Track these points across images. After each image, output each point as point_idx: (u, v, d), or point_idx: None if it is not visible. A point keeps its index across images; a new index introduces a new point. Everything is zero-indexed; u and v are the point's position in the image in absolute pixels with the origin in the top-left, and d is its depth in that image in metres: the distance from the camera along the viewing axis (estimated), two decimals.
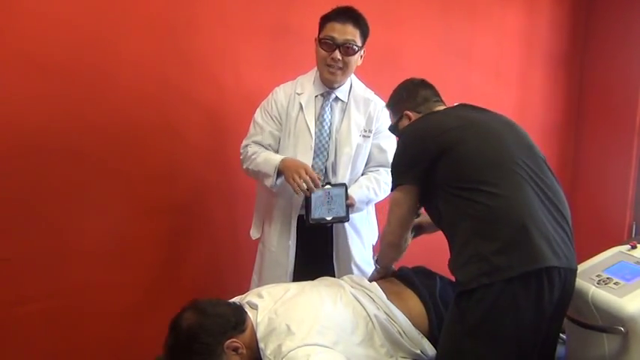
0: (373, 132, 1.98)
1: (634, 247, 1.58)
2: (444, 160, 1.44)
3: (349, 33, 1.83)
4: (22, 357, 2.02)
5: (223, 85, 2.31)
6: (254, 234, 2.09)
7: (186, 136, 2.26)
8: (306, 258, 1.97)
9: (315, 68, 1.96)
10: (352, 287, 1.65)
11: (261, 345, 1.42)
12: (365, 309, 1.54)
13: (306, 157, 1.90)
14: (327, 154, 1.94)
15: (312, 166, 1.91)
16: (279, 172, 1.85)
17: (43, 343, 2.04)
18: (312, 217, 1.81)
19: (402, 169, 1.56)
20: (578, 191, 3.30)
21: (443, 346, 1.43)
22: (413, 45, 2.78)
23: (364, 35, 1.88)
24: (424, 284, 1.68)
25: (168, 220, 2.27)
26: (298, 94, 1.95)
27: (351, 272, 1.95)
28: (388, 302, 1.59)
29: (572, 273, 1.41)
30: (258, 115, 1.99)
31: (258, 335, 1.44)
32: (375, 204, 2.06)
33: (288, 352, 1.33)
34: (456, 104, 1.63)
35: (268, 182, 1.88)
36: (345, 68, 1.87)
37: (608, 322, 1.40)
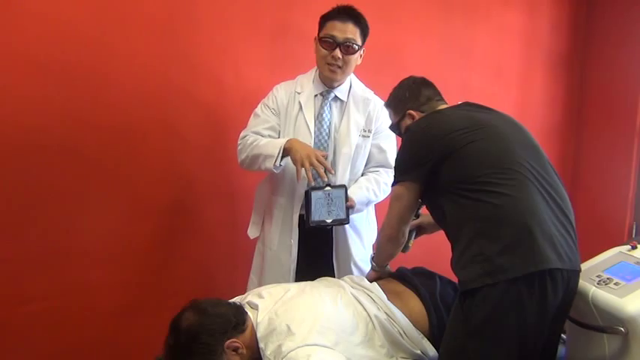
0: (373, 132, 1.98)
1: (634, 248, 1.58)
2: (449, 161, 1.44)
3: (350, 32, 1.83)
4: (22, 357, 2.02)
5: (223, 84, 2.31)
6: (252, 233, 2.08)
7: (186, 136, 2.26)
8: (306, 257, 1.97)
9: (315, 68, 1.97)
10: (352, 287, 1.65)
11: (262, 345, 1.42)
12: (365, 309, 1.54)
13: None
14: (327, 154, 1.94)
15: None
16: (285, 153, 1.81)
17: (42, 343, 2.04)
18: (313, 219, 1.80)
19: (405, 167, 1.56)
20: (579, 191, 3.30)
21: (445, 346, 1.43)
22: (413, 45, 2.78)
23: (364, 34, 1.88)
24: (424, 284, 1.68)
25: (167, 219, 2.27)
26: (298, 93, 1.95)
27: (350, 272, 1.95)
28: (388, 302, 1.59)
29: (576, 274, 1.41)
30: (258, 109, 1.98)
31: (259, 335, 1.44)
32: (375, 204, 2.06)
33: (289, 353, 1.33)
34: (460, 103, 1.63)
35: (270, 163, 1.82)
36: (345, 67, 1.87)
37: (609, 323, 1.40)
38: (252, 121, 1.98)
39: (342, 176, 1.93)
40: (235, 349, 1.42)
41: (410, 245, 1.82)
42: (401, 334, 1.53)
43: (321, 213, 1.80)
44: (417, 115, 1.64)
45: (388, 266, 1.82)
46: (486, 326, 1.34)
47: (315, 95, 1.95)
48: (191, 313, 1.44)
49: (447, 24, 2.89)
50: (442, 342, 1.45)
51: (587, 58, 3.33)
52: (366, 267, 1.97)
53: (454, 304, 1.44)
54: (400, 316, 1.56)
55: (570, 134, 3.41)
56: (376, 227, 2.10)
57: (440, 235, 1.60)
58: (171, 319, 1.45)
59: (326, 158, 1.84)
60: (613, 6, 3.19)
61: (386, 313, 1.56)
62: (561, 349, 1.56)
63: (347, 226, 1.94)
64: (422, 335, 1.57)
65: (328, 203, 1.81)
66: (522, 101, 3.19)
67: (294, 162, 1.78)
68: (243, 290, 1.70)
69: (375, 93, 2.02)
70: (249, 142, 1.91)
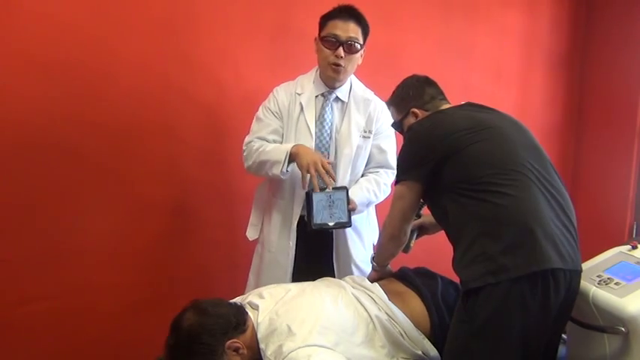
0: (373, 132, 1.98)
1: (635, 248, 1.58)
2: (452, 161, 1.44)
3: (352, 30, 1.83)
4: (23, 357, 2.02)
5: (223, 85, 2.30)
6: (251, 234, 2.08)
7: (185, 137, 2.26)
8: (306, 259, 1.96)
9: (315, 68, 1.96)
10: (353, 288, 1.65)
11: (262, 345, 1.42)
12: (366, 309, 1.54)
13: None
14: (328, 154, 1.93)
15: None
16: (291, 159, 1.81)
17: (43, 343, 2.04)
18: (315, 222, 1.79)
19: (407, 167, 1.56)
20: (579, 191, 3.30)
21: (449, 346, 1.43)
22: (413, 45, 2.78)
23: (365, 34, 1.88)
24: (425, 285, 1.68)
25: (167, 219, 2.27)
26: (298, 94, 1.94)
27: (351, 273, 1.95)
28: (389, 303, 1.59)
29: (577, 275, 1.42)
30: (260, 113, 1.98)
31: (259, 336, 1.44)
32: (376, 204, 2.06)
33: (289, 353, 1.33)
34: (462, 103, 1.63)
35: (277, 170, 1.83)
36: (347, 66, 1.87)
37: (609, 323, 1.40)
38: (255, 125, 1.98)
39: (342, 177, 1.93)
40: (236, 350, 1.42)
41: (411, 245, 1.82)
42: (402, 335, 1.53)
43: (323, 215, 1.80)
44: (420, 113, 1.64)
45: (389, 266, 1.82)
46: (490, 327, 1.34)
47: (316, 96, 1.95)
48: (192, 313, 1.44)
49: (447, 24, 2.89)
50: (446, 342, 1.45)
51: (587, 58, 3.34)
52: (367, 267, 1.96)
53: (457, 305, 1.44)
54: (401, 316, 1.56)
55: (570, 134, 3.41)
56: (377, 227, 2.10)
57: (441, 236, 1.60)
58: (172, 319, 1.45)
59: (331, 165, 1.84)
60: (613, 6, 3.19)
61: (387, 313, 1.56)
62: (562, 349, 1.57)
63: None
64: (423, 335, 1.57)
65: (330, 205, 1.80)
66: (522, 101, 3.19)
67: (300, 168, 1.78)
68: (243, 291, 1.70)
69: (375, 93, 2.02)
70: (254, 148, 1.91)
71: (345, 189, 1.83)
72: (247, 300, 1.57)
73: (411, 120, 1.66)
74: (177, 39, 2.18)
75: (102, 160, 2.09)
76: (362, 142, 1.96)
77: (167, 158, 2.23)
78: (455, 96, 1.74)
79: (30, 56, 1.92)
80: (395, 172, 1.73)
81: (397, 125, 1.74)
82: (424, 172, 1.50)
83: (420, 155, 1.52)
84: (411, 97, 1.67)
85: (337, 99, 1.96)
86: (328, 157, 1.92)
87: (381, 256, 1.78)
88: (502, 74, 3.11)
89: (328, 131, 1.94)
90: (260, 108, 1.99)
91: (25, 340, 2.01)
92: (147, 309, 2.22)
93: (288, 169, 1.85)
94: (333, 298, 1.55)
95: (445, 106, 1.64)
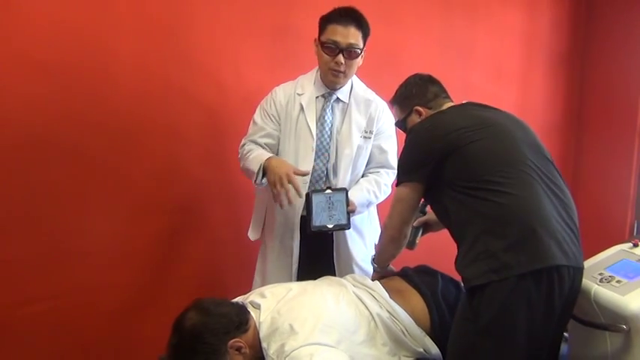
0: (374, 133, 1.98)
1: (636, 246, 1.59)
2: (452, 159, 1.44)
3: (352, 36, 1.80)
4: (24, 357, 2.02)
5: (223, 85, 2.30)
6: (253, 235, 2.08)
7: (186, 136, 2.26)
8: (307, 258, 1.97)
9: (316, 68, 1.96)
10: (355, 286, 1.65)
11: (264, 344, 1.42)
12: (367, 308, 1.54)
13: (307, 159, 1.90)
14: (329, 155, 1.93)
15: (314, 167, 1.90)
16: (265, 172, 1.81)
17: (45, 343, 2.04)
18: (314, 224, 1.79)
19: (408, 168, 1.56)
20: (580, 190, 3.30)
21: (454, 345, 1.43)
22: (413, 44, 2.78)
23: (366, 36, 1.86)
24: (426, 282, 1.68)
25: (169, 219, 2.27)
26: (299, 95, 1.94)
27: (352, 272, 1.95)
28: (391, 301, 1.59)
29: (580, 272, 1.42)
30: (257, 115, 1.98)
31: (261, 335, 1.44)
32: (378, 204, 2.06)
33: (292, 352, 1.33)
34: (464, 102, 1.63)
35: (253, 180, 1.85)
36: (348, 71, 1.86)
37: (611, 320, 1.40)
38: (250, 128, 1.99)
39: (343, 178, 1.93)
40: (238, 349, 1.42)
41: (417, 242, 1.82)
42: (403, 332, 1.53)
43: (322, 218, 1.80)
44: (424, 111, 1.65)
45: (391, 266, 1.82)
46: (496, 324, 1.34)
47: (317, 97, 1.94)
48: (194, 312, 1.44)
49: (447, 24, 2.89)
50: (449, 341, 1.45)
51: (588, 57, 3.34)
52: (368, 267, 1.96)
53: (460, 303, 1.44)
54: (403, 314, 1.56)
55: (571, 133, 3.41)
56: (378, 227, 2.10)
57: (442, 235, 1.60)
58: (174, 319, 1.45)
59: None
60: (613, 6, 3.19)
61: (388, 311, 1.56)
62: (564, 347, 1.57)
63: None
64: (424, 333, 1.57)
65: (329, 207, 1.80)
66: (522, 101, 3.20)
67: (269, 184, 1.78)
68: (247, 291, 1.70)
69: (376, 93, 2.02)
70: (244, 152, 1.93)
71: (345, 190, 1.83)
72: (249, 299, 1.58)
73: (414, 118, 1.66)
74: (177, 39, 2.18)
75: (103, 160, 2.09)
76: (362, 142, 1.96)
77: (168, 158, 2.23)
78: (455, 95, 1.74)
79: (30, 56, 1.91)
80: (395, 172, 1.73)
81: (401, 124, 1.74)
82: (425, 173, 1.50)
83: (421, 157, 1.52)
84: (414, 95, 1.67)
85: (338, 100, 1.96)
86: (327, 161, 1.92)
87: (381, 258, 1.78)
88: (502, 73, 3.11)
89: (328, 132, 1.93)
90: (257, 109, 1.99)
91: (26, 341, 2.01)
92: (150, 309, 2.22)
93: (263, 182, 1.84)
94: (334, 296, 1.55)
95: (448, 105, 1.65)
